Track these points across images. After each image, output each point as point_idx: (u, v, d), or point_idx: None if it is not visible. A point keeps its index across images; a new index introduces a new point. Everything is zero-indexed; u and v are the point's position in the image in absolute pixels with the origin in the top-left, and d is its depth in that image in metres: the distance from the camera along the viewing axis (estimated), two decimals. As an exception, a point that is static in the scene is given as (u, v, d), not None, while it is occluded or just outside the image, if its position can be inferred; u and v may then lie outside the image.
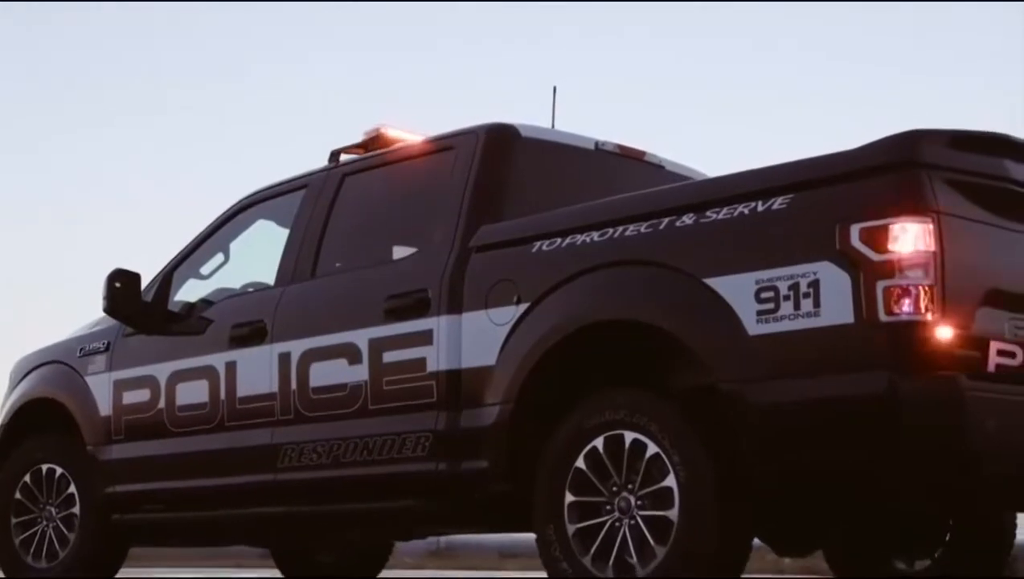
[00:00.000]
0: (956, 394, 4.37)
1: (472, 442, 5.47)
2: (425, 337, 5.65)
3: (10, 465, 7.55)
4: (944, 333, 4.42)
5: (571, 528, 5.10)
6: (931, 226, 4.45)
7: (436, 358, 5.60)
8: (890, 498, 5.10)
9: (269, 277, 6.86)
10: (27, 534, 7.41)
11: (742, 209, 4.84)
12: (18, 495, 7.47)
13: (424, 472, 5.60)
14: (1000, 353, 4.63)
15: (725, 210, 4.89)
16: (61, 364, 7.47)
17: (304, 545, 8.06)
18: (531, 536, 5.38)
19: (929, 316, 4.40)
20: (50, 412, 7.46)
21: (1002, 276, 4.73)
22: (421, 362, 5.65)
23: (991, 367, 4.59)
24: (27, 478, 7.44)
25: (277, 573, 8.67)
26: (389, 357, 5.78)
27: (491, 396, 5.41)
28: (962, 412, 4.38)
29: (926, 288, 4.41)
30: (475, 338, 5.51)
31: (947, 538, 5.99)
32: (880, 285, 4.43)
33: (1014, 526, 6.01)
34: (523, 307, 5.38)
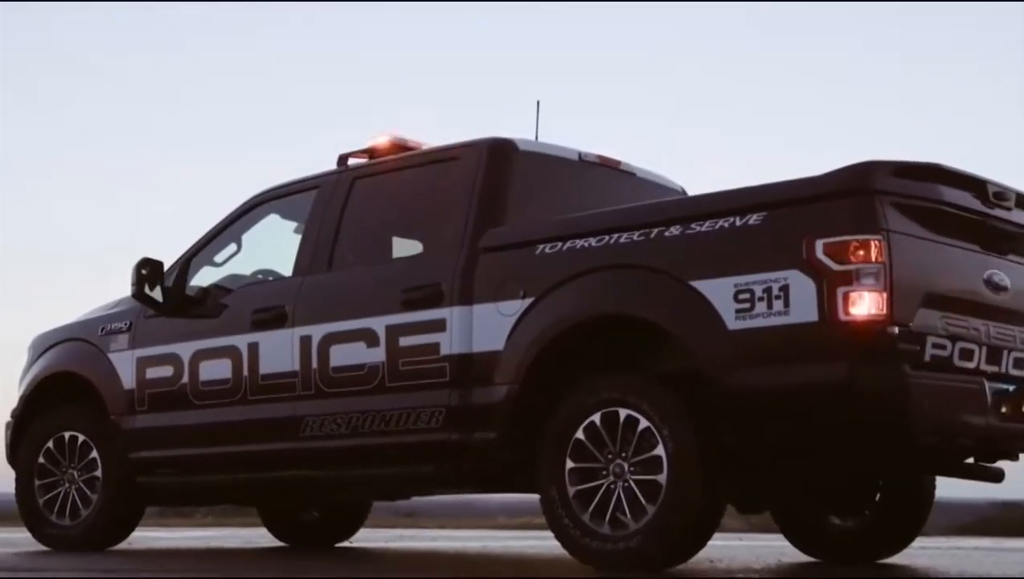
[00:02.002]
0: (901, 380, 5.34)
1: (482, 416, 6.34)
2: (439, 325, 6.51)
3: (33, 432, 8.30)
4: (891, 330, 5.37)
5: (571, 490, 5.99)
6: (882, 242, 5.39)
7: (449, 343, 6.46)
8: (845, 463, 6.12)
9: (278, 266, 7.69)
10: (50, 495, 8.17)
11: (723, 223, 5.75)
12: (41, 460, 8.23)
13: (439, 441, 6.47)
14: (935, 346, 5.60)
15: (708, 223, 5.80)
16: (82, 341, 8.21)
17: (324, 504, 8.91)
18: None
19: (880, 316, 5.35)
20: (70, 385, 8.21)
21: (936, 282, 5.67)
22: (435, 346, 6.51)
23: (927, 357, 5.56)
24: (50, 444, 8.20)
25: (265, 532, 9.52)
26: (405, 341, 6.63)
27: (500, 376, 6.29)
28: (905, 395, 5.36)
29: (878, 293, 5.36)
30: (485, 326, 6.38)
31: (876, 498, 7.01)
32: (840, 290, 5.36)
33: (933, 487, 7.06)
34: (528, 301, 6.25)
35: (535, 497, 6.43)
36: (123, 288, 7.79)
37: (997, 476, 6.55)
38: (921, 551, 8.35)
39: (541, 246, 6.31)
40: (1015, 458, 6.28)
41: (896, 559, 7.08)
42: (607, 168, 7.33)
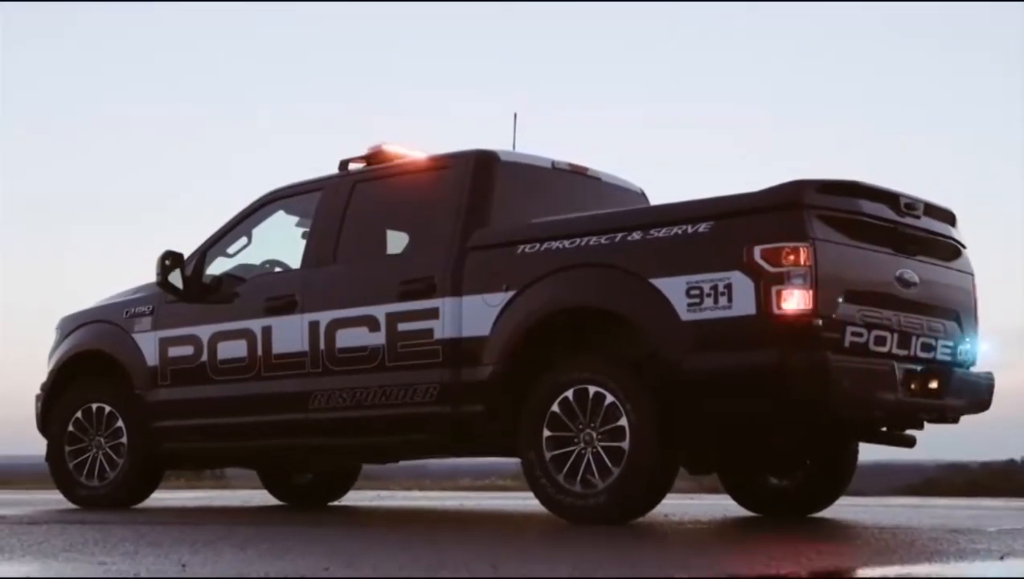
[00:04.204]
0: (824, 364, 6.40)
1: (471, 391, 7.37)
2: (433, 313, 7.53)
3: (63, 404, 9.30)
4: (816, 321, 6.42)
5: (548, 455, 7.03)
6: (809, 248, 6.44)
7: (442, 328, 7.48)
8: (777, 431, 7.22)
9: (285, 257, 8.72)
10: (79, 460, 9.19)
11: (677, 230, 6.80)
12: (71, 428, 9.24)
13: (432, 413, 7.51)
14: (853, 334, 6.64)
15: (664, 230, 6.84)
16: (108, 323, 9.20)
17: (321, 468, 9.96)
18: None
19: (807, 310, 6.42)
20: (97, 362, 9.21)
21: (854, 280, 6.72)
22: (429, 331, 7.53)
23: (847, 344, 6.61)
24: (79, 414, 9.20)
25: (266, 493, 10.56)
26: (403, 327, 7.64)
27: (486, 358, 7.31)
28: (827, 375, 6.42)
29: (805, 291, 6.41)
30: (473, 315, 7.39)
31: (808, 461, 8.12)
32: (774, 289, 6.41)
33: (856, 452, 8.17)
34: (511, 293, 7.28)
35: (496, 461, 7.45)
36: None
37: (909, 442, 7.69)
38: (850, 508, 9.49)
39: (522, 246, 7.32)
40: (921, 427, 7.43)
41: (824, 514, 8.19)
42: (576, 174, 8.36)
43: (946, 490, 18.35)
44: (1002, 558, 4.85)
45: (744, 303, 6.47)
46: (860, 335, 6.69)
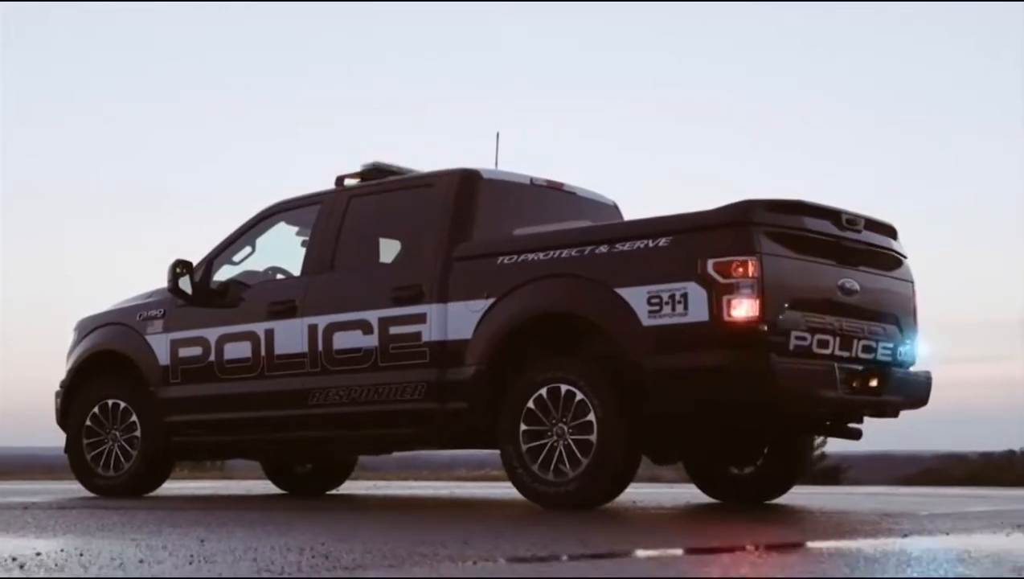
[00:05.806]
0: (769, 365, 7.13)
1: (455, 389, 8.12)
2: (421, 318, 8.28)
3: (81, 400, 10.06)
4: (762, 327, 7.16)
5: (524, 447, 7.77)
6: (756, 262, 7.18)
7: (429, 332, 8.23)
8: (727, 425, 7.99)
9: (287, 264, 9.47)
10: (96, 452, 9.95)
11: (639, 244, 7.54)
12: (88, 422, 10.00)
13: (421, 409, 8.26)
14: (797, 338, 7.37)
15: (628, 244, 7.58)
16: (122, 325, 9.96)
17: (320, 459, 10.73)
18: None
19: (754, 317, 7.15)
20: (113, 361, 9.97)
21: (799, 289, 7.46)
22: (418, 334, 8.29)
23: (791, 347, 7.34)
24: (96, 409, 9.96)
25: (269, 483, 11.32)
26: (394, 330, 8.40)
27: (469, 359, 8.06)
28: (772, 376, 7.16)
29: (753, 300, 7.15)
30: (457, 320, 8.14)
31: (765, 452, 8.87)
32: (725, 297, 7.15)
33: (811, 444, 8.92)
34: (491, 300, 8.02)
35: (490, 453, 8.20)
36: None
37: (855, 434, 8.44)
38: (807, 495, 10.23)
39: (501, 257, 8.07)
40: (860, 421, 8.18)
41: (780, 500, 8.95)
42: (552, 189, 9.12)
43: (942, 480, 18.91)
44: (905, 536, 5.59)
45: (698, 310, 7.20)
46: (804, 339, 7.42)
